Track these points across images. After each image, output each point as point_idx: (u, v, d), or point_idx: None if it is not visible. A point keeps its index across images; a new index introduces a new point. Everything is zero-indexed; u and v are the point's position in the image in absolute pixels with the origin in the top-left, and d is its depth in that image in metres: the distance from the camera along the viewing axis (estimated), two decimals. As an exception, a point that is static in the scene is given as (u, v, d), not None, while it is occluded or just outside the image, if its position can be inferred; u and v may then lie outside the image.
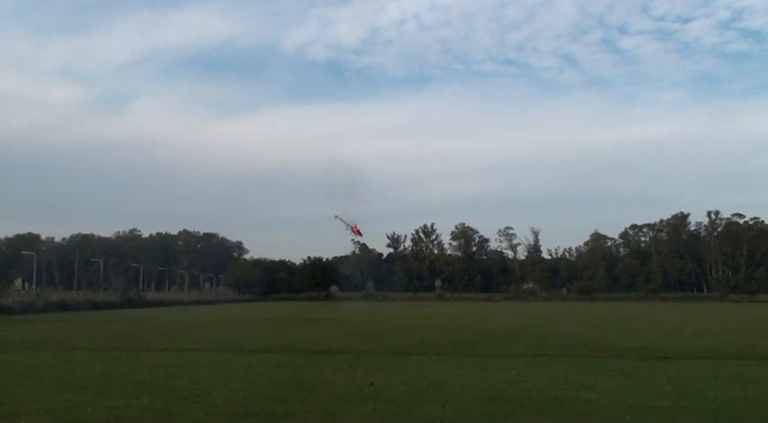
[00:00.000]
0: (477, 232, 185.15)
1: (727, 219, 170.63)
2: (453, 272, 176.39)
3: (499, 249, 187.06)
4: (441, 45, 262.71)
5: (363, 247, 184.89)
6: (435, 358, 24.11)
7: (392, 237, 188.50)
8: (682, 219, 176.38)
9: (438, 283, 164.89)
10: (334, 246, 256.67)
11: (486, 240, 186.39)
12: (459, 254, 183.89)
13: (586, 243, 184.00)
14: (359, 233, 52.00)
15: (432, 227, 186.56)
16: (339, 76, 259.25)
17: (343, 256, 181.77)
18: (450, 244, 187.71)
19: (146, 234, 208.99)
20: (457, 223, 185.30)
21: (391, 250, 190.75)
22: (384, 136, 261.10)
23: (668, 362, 23.53)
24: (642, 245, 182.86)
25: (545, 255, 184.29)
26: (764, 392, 16.58)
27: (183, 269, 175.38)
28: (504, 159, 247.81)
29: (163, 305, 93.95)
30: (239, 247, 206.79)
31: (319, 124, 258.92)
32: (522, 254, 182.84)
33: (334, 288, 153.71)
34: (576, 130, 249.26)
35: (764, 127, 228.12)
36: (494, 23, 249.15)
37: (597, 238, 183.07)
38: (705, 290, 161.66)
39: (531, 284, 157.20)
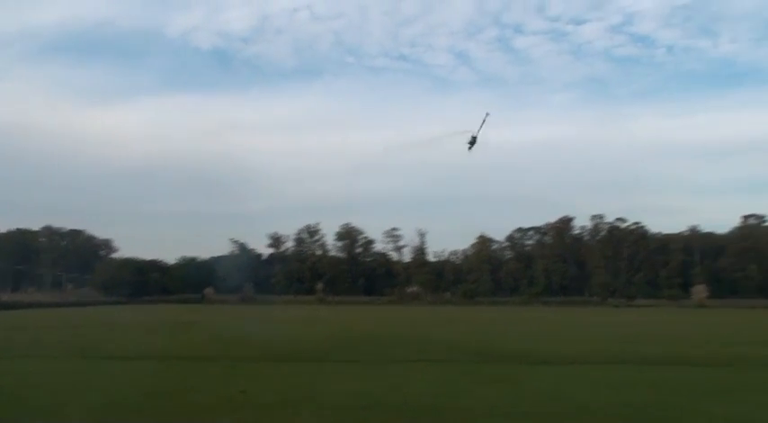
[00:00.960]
0: (362, 233, 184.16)
1: (610, 223, 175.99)
2: (336, 274, 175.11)
3: (384, 251, 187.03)
4: (333, 36, 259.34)
5: (242, 246, 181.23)
6: (313, 365, 23.43)
7: (273, 236, 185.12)
8: (567, 222, 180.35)
9: (320, 285, 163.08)
10: (211, 245, 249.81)
11: (372, 241, 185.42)
12: (343, 255, 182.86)
13: (473, 246, 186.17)
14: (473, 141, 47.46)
15: (316, 227, 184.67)
16: (225, 65, 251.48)
17: (221, 257, 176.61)
18: (334, 245, 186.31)
19: (2, 229, 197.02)
20: (342, 223, 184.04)
21: (272, 250, 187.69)
22: (270, 130, 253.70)
23: (547, 367, 23.60)
24: (527, 248, 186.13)
25: (431, 257, 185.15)
26: (637, 396, 16.67)
27: (45, 268, 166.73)
28: (394, 158, 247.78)
29: (19, 308, 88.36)
30: (108, 245, 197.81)
31: (201, 115, 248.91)
32: (407, 256, 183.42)
33: (209, 290, 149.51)
34: (471, 130, 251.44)
35: (650, 132, 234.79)
36: (388, 17, 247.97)
37: (483, 241, 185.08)
38: (587, 294, 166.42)
39: (415, 288, 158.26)
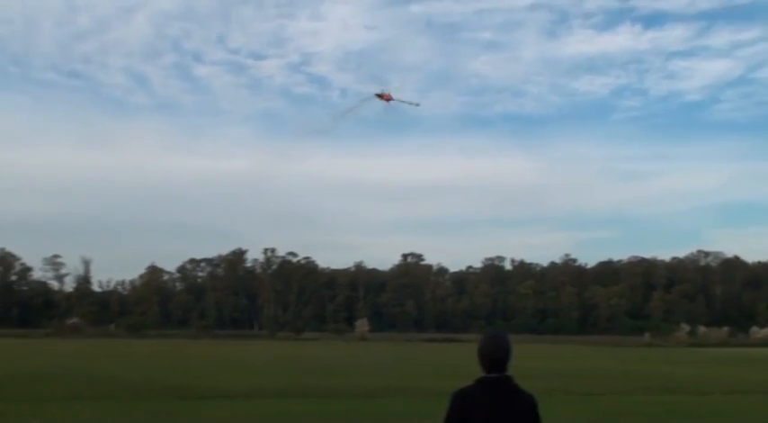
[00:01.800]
0: (18, 259, 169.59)
1: (282, 257, 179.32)
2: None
3: (44, 279, 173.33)
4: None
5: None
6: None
7: None
8: (239, 255, 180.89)
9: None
10: None
11: (30, 269, 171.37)
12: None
13: (142, 276, 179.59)
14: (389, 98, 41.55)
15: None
16: None
17: None
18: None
19: None
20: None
21: None
22: None
23: (209, 402, 22.79)
24: (199, 280, 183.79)
25: (96, 287, 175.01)
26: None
27: None
28: (63, 180, 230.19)
29: None
30: None
31: None
32: (69, 285, 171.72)
33: None
34: (145, 156, 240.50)
35: (323, 170, 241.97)
36: (60, 29, 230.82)
37: (153, 272, 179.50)
38: (257, 327, 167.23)
39: (76, 319, 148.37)
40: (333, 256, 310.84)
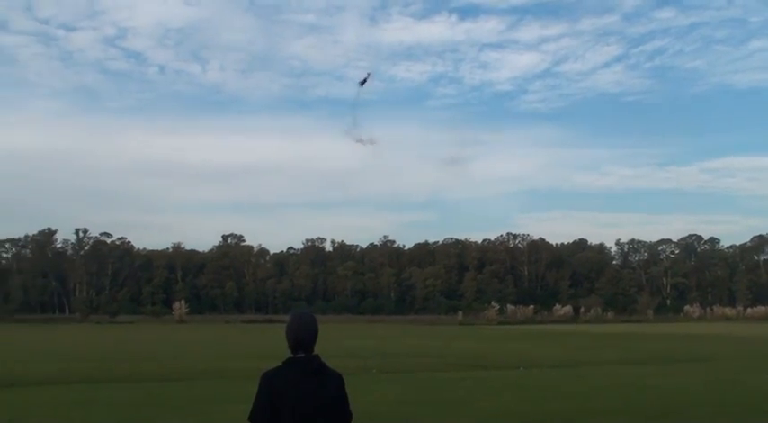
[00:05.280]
0: None
1: (96, 237, 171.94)
2: None
3: None
4: None
5: None
6: None
7: None
8: (49, 235, 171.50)
9: None
10: None
11: None
12: None
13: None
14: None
15: None
16: None
17: None
18: None
19: None
20: None
21: None
22: None
23: (13, 390, 21.99)
24: (4, 262, 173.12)
25: None
26: (104, 415, 16.43)
27: None
28: None
29: None
30: None
31: None
32: None
33: None
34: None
35: (139, 148, 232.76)
36: None
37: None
38: (68, 311, 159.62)
39: None
40: (150, 237, 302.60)
